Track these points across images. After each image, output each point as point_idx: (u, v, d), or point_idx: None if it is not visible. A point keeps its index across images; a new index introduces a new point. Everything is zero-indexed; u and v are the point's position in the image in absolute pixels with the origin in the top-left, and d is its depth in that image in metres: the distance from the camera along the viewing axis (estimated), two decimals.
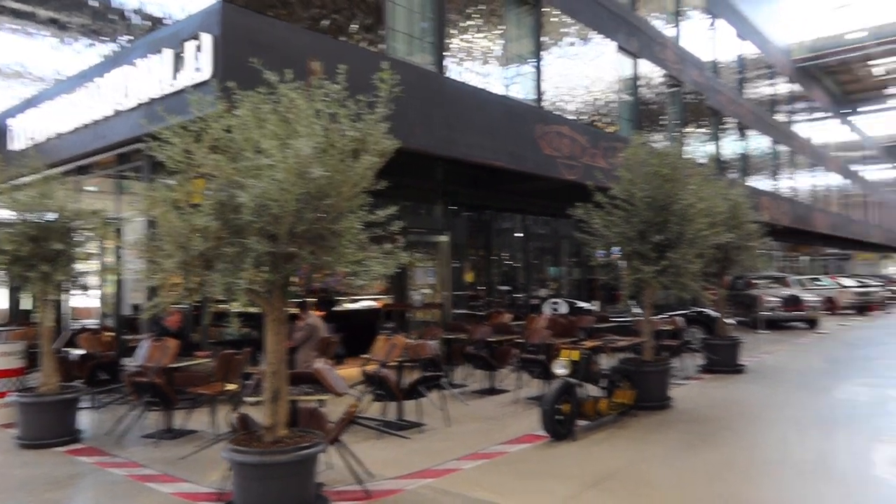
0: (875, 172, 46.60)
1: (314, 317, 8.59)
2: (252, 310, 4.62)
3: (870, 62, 33.16)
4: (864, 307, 23.31)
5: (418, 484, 4.92)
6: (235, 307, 4.29)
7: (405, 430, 6.54)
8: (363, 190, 4.05)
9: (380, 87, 4.09)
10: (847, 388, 8.91)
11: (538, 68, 13.07)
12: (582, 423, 6.50)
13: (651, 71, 17.07)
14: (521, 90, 12.74)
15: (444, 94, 10.56)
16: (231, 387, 6.50)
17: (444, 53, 10.83)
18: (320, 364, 5.66)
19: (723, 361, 10.06)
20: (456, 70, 10.99)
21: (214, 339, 9.17)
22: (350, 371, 8.50)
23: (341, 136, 3.96)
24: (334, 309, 11.88)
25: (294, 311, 8.12)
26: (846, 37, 29.88)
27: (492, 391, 8.60)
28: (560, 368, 6.37)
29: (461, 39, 11.21)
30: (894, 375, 10.06)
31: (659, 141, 16.07)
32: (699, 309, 12.73)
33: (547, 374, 7.50)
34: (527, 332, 9.78)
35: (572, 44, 14.09)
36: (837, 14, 30.27)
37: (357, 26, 9.41)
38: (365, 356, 7.54)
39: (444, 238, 13.00)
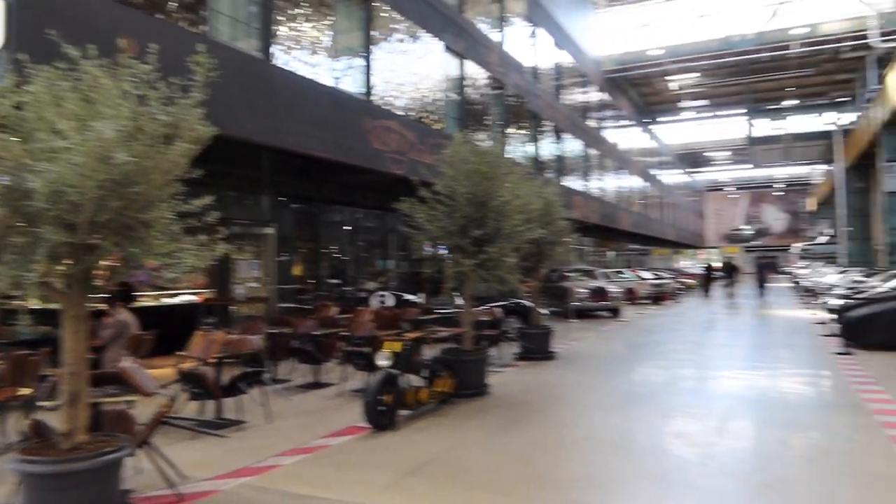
0: (670, 176, 52.10)
1: (124, 313, 7.99)
2: (53, 306, 4.23)
3: (667, 77, 36.96)
4: (658, 297, 26.04)
5: (235, 483, 4.79)
6: (32, 303, 3.90)
7: (223, 428, 6.32)
8: (176, 178, 3.86)
9: (195, 70, 3.92)
10: (643, 370, 9.94)
11: (368, 62, 13.11)
12: (404, 412, 6.68)
13: (476, 72, 17.77)
14: (350, 83, 12.71)
15: (270, 81, 10.27)
16: (24, 391, 5.88)
17: (271, 40, 10.52)
18: (127, 363, 5.30)
19: (537, 349, 10.78)
20: (284, 58, 10.73)
21: (6, 338, 8.25)
22: (164, 370, 8.03)
23: (152, 119, 3.74)
24: (149, 304, 11.13)
25: (102, 307, 7.50)
26: (648, 53, 33.05)
27: (316, 385, 8.54)
28: (383, 360, 6.49)
29: (290, 27, 10.96)
30: (683, 357, 11.35)
31: (483, 140, 16.80)
32: (517, 300, 13.52)
33: (371, 366, 7.58)
34: (352, 324, 9.84)
35: (402, 40, 14.29)
36: (641, 32, 33.36)
37: (176, 4, 8.85)
38: (181, 353, 7.17)
39: (270, 230, 12.66)
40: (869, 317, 11.34)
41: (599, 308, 19.65)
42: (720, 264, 35.50)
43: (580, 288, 19.50)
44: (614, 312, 19.74)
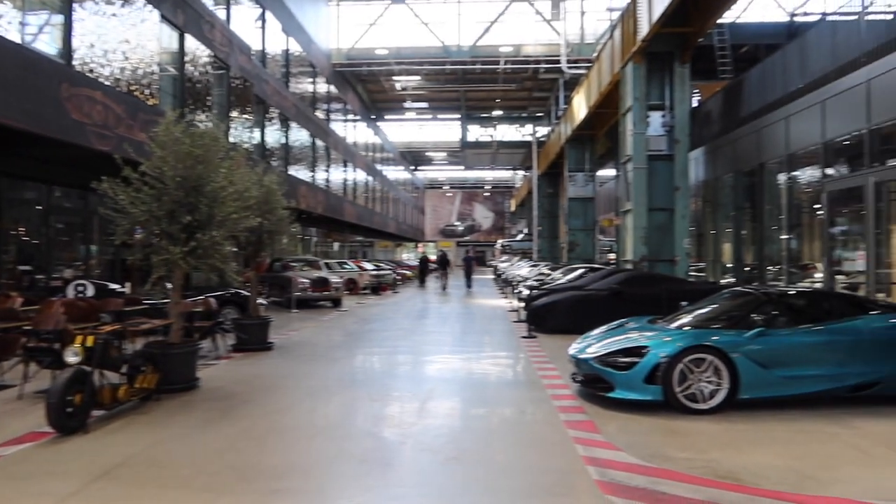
0: (393, 173, 54.55)
1: None
2: None
3: (392, 78, 38.60)
4: (378, 287, 27.17)
5: None
6: None
7: None
8: None
9: None
10: (358, 357, 10.32)
11: (69, 22, 11.57)
12: (98, 413, 6.10)
13: (198, 49, 16.74)
14: (46, 43, 11.11)
15: None
16: None
17: None
18: None
19: (253, 340, 10.58)
20: None
21: None
22: None
23: None
24: None
25: None
26: (375, 51, 34.17)
27: None
28: (72, 356, 5.85)
29: None
30: (395, 344, 12.01)
31: (203, 121, 15.89)
32: (235, 290, 13.09)
33: (60, 364, 6.78)
34: (39, 317, 8.64)
35: (111, 3, 12.88)
36: (369, 30, 34.32)
37: None
38: None
39: None
40: (549, 305, 13.15)
41: (321, 298, 19.90)
42: (435, 257, 38.08)
43: (303, 278, 19.53)
44: (336, 302, 20.15)
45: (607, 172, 33.55)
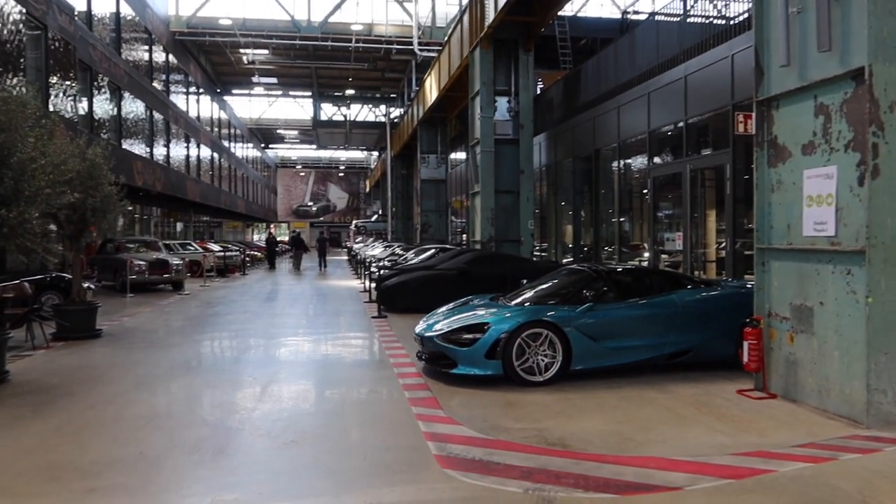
0: (242, 150, 52.25)
1: None
2: None
3: (239, 50, 36.75)
4: (225, 269, 25.99)
5: None
6: None
7: None
8: None
9: None
10: (197, 343, 9.78)
11: None
12: None
13: (6, 4, 14.94)
14: None
15: None
16: None
17: None
18: None
19: (77, 327, 9.71)
20: None
21: None
22: None
23: None
24: None
25: None
26: (220, 21, 32.29)
27: None
28: None
29: None
30: (238, 328, 11.52)
31: (14, 87, 14.22)
32: (57, 274, 11.94)
33: None
34: None
35: None
36: None
37: None
38: None
39: None
40: (400, 285, 13.22)
41: (160, 281, 18.71)
42: (287, 238, 36.82)
43: (139, 260, 18.21)
44: (177, 286, 19.02)
45: (460, 156, 34.26)
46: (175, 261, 19.08)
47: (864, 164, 5.10)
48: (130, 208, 29.24)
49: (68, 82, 18.29)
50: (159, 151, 27.72)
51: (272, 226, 70.77)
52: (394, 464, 4.50)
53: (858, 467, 4.30)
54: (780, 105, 6.08)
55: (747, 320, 6.36)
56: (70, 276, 10.85)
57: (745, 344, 6.23)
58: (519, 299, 7.71)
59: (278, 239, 37.59)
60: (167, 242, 24.92)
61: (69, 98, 18.30)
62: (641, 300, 7.25)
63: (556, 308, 7.02)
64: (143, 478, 4.24)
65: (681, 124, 12.72)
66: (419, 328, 7.52)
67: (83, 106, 19.69)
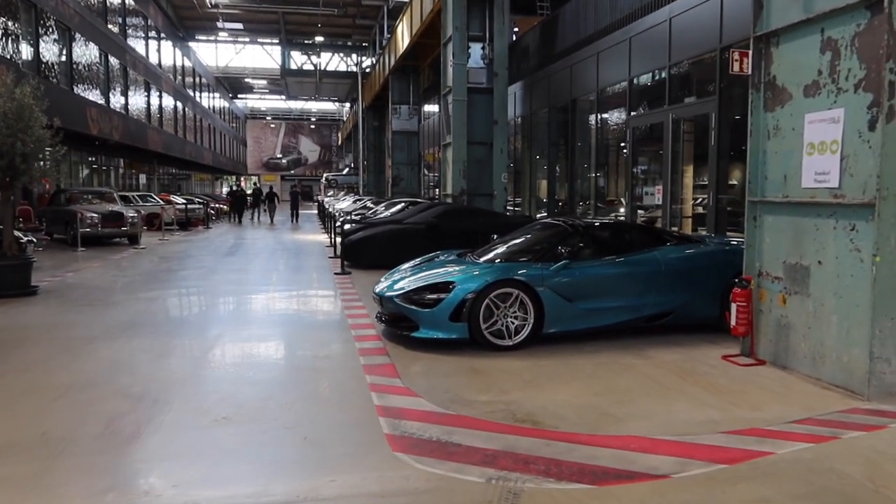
0: (208, 100, 50.37)
1: None
2: None
3: None
4: (188, 223, 25.03)
5: None
6: None
7: None
8: None
9: None
10: (142, 301, 9.03)
11: None
12: None
13: None
14: None
15: None
16: None
17: None
18: None
19: (7, 284, 8.90)
20: None
21: None
22: None
23: None
24: None
25: None
26: None
27: None
28: None
29: None
30: (192, 285, 10.80)
31: None
32: None
33: None
34: None
35: None
36: None
37: None
38: None
39: None
40: (365, 239, 12.52)
41: (114, 235, 17.79)
42: (253, 190, 35.27)
43: (91, 212, 17.21)
44: (133, 239, 18.11)
45: (433, 108, 33.22)
46: (130, 213, 18.11)
47: (878, 105, 4.49)
48: (92, 159, 27.94)
49: (11, 22, 16.93)
50: (117, 99, 26.31)
51: (243, 178, 69.08)
52: (338, 445, 3.91)
53: (864, 447, 3.81)
54: (780, 41, 5.42)
55: (735, 280, 5.82)
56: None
57: (734, 306, 5.69)
58: (488, 256, 7.09)
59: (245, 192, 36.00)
60: (125, 194, 23.84)
61: (10, 39, 16.97)
62: (620, 257, 6.66)
63: (527, 266, 6.41)
64: (39, 466, 3.58)
65: (664, 73, 12.02)
66: (379, 287, 6.88)
67: (28, 48, 18.33)
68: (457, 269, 6.59)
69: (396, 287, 6.57)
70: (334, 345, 6.49)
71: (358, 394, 4.88)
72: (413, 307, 6.20)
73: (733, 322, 5.72)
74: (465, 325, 6.01)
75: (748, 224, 5.78)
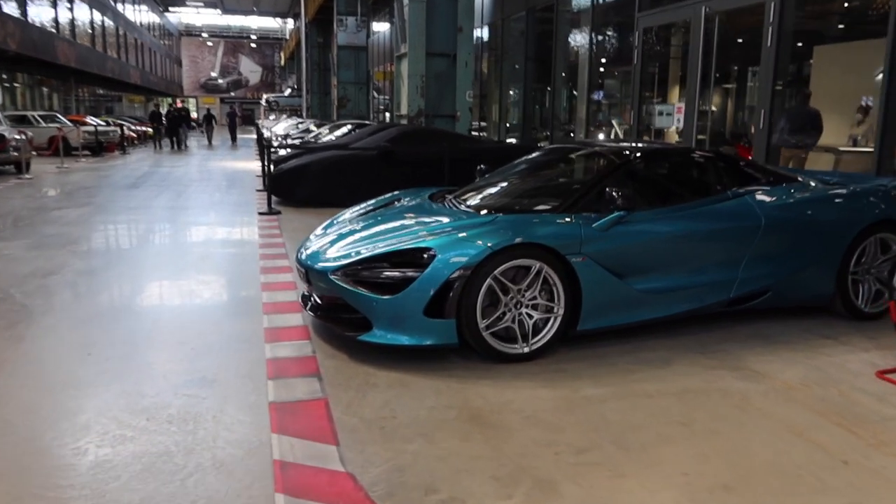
0: (134, 12, 45.18)
1: None
2: None
3: None
4: (100, 148, 21.62)
5: None
6: None
7: None
8: None
9: None
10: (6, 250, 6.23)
11: None
12: None
13: None
14: None
15: None
16: None
17: None
18: None
19: None
20: None
21: None
22: None
23: None
24: None
25: None
26: None
27: None
28: None
29: None
30: (54, 232, 7.90)
31: None
32: None
33: None
34: None
35: None
36: None
37: None
38: None
39: None
40: (299, 169, 9.78)
41: None
42: (167, 112, 30.57)
43: None
44: (20, 167, 14.84)
45: (384, 27, 29.67)
46: (15, 135, 14.76)
47: None
48: None
49: None
50: (12, 4, 22.20)
51: (179, 101, 63.76)
52: None
53: None
54: None
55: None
56: None
57: None
58: (478, 200, 4.53)
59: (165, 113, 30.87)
60: (21, 114, 20.22)
61: None
62: (699, 207, 4.17)
63: (552, 220, 3.87)
64: None
65: None
66: (304, 253, 4.24)
67: None
68: (433, 223, 4.02)
69: (334, 253, 3.96)
70: (227, 353, 3.87)
71: (253, 498, 2.35)
72: (361, 291, 3.63)
73: None
74: (450, 322, 3.49)
75: None
